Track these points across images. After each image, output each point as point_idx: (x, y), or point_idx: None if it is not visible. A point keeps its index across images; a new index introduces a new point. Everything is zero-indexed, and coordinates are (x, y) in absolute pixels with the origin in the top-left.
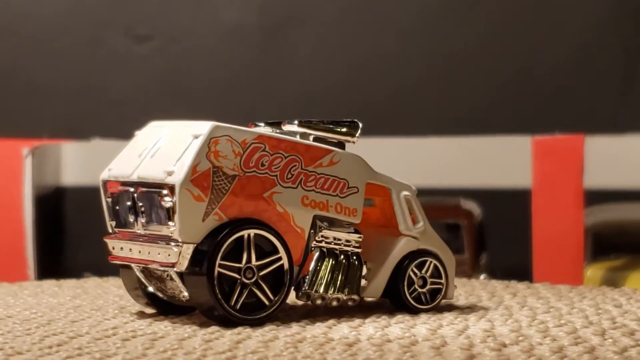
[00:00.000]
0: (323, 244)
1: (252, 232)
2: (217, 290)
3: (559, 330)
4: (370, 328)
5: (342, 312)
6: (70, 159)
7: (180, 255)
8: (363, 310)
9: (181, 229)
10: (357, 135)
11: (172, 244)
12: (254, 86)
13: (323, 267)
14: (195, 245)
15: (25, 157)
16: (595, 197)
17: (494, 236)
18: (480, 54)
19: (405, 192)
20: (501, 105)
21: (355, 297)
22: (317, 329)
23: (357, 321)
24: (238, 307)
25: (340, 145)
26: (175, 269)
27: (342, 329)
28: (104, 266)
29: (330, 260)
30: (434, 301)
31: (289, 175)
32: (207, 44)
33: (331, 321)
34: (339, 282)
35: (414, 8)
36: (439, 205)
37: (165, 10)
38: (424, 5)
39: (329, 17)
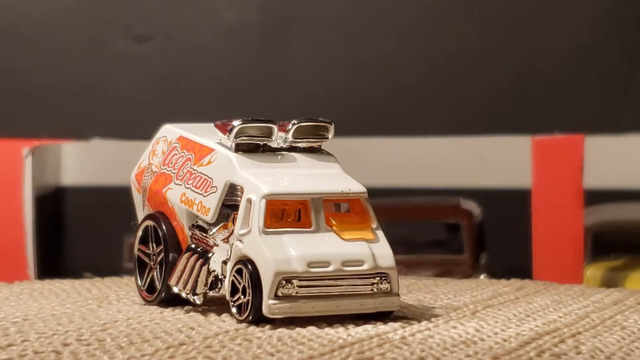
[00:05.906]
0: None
1: (151, 223)
2: (136, 271)
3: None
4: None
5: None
6: (70, 159)
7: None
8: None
9: (137, 215)
10: (231, 135)
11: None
12: (254, 86)
13: (180, 261)
14: None
15: (25, 157)
16: (595, 197)
17: (494, 236)
18: (480, 54)
19: (250, 195)
20: (501, 105)
21: (192, 297)
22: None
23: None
24: (145, 287)
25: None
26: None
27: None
28: (104, 266)
29: (185, 255)
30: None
31: (181, 173)
32: (207, 44)
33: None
34: (186, 279)
35: (414, 8)
36: (439, 205)
37: (165, 10)
38: (424, 5)
39: (329, 17)
